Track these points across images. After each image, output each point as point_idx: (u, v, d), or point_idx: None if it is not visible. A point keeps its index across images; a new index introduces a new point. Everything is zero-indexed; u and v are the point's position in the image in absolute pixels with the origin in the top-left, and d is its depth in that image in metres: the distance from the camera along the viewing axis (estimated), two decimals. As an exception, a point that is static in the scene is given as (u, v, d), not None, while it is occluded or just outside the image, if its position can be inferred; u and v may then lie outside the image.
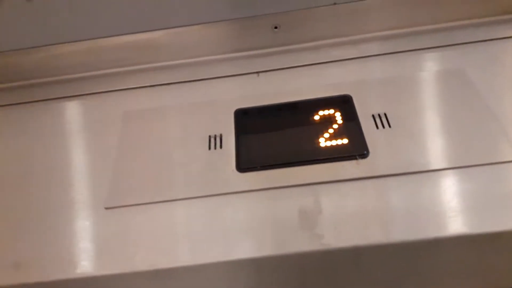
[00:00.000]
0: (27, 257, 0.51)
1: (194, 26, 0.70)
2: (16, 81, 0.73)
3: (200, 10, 0.69)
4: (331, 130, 0.58)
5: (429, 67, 0.66)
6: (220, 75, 0.70)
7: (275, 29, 0.71)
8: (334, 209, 0.50)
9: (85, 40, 0.70)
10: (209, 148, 0.59)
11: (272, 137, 0.60)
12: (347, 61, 0.68)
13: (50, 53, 0.71)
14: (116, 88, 0.70)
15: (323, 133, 0.58)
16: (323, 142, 0.57)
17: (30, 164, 0.62)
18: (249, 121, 0.62)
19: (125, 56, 0.71)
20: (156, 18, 0.69)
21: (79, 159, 0.62)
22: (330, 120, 0.60)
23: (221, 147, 0.59)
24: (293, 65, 0.70)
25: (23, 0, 0.67)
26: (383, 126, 0.58)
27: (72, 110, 0.70)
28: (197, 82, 0.70)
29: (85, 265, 0.50)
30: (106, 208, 0.54)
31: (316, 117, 0.61)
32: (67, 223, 0.54)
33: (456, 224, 0.47)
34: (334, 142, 0.57)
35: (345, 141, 0.57)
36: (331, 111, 0.61)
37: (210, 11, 0.69)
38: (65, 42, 0.70)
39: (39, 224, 0.54)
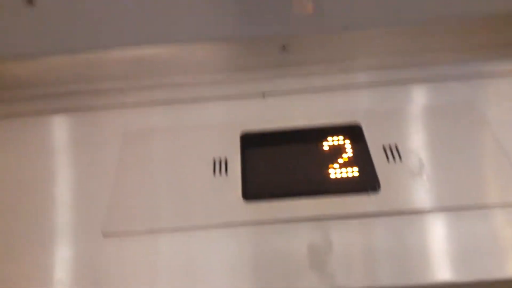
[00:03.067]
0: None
1: (199, 42, 0.68)
2: (8, 91, 0.69)
3: (206, 26, 0.67)
4: (341, 161, 0.57)
5: (440, 99, 0.65)
6: (224, 95, 0.68)
7: (283, 49, 0.69)
8: (345, 247, 0.48)
9: (84, 51, 0.67)
10: (214, 173, 0.57)
11: (280, 164, 0.58)
12: (356, 87, 0.67)
13: (47, 63, 0.68)
14: (116, 104, 0.67)
15: (333, 163, 0.56)
16: (333, 173, 0.55)
17: (20, 183, 0.58)
18: (255, 147, 0.60)
19: (126, 70, 0.68)
20: (161, 31, 0.67)
21: (73, 179, 0.59)
22: (339, 149, 0.58)
23: (226, 172, 0.57)
24: (300, 88, 0.68)
25: (23, 5, 0.63)
26: (394, 159, 0.56)
27: (68, 125, 0.66)
28: (201, 102, 0.67)
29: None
30: (103, 234, 0.51)
31: (325, 145, 0.59)
32: (61, 250, 0.51)
33: (474, 267, 0.46)
34: (344, 174, 0.55)
35: (356, 173, 0.55)
36: (341, 140, 0.59)
37: (216, 27, 0.67)
38: (63, 53, 0.67)
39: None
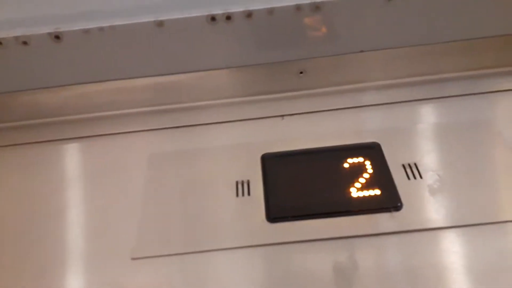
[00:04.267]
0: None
1: (219, 70, 0.70)
2: (37, 118, 0.73)
3: (225, 55, 0.69)
4: (362, 180, 0.58)
5: (456, 116, 0.66)
6: (243, 118, 0.70)
7: (301, 74, 0.71)
8: (371, 265, 0.49)
9: (109, 81, 0.70)
10: (237, 195, 0.58)
11: (302, 185, 0.59)
12: (373, 107, 0.68)
13: (74, 92, 0.71)
14: (139, 129, 0.69)
15: (354, 183, 0.57)
16: (354, 192, 0.56)
17: (46, 210, 0.60)
18: (276, 167, 0.62)
19: (149, 97, 0.71)
20: (181, 62, 0.69)
21: (100, 204, 0.60)
22: (360, 168, 0.59)
23: (249, 194, 0.58)
24: (318, 110, 0.70)
25: (51, 41, 0.67)
26: (415, 177, 0.57)
27: (93, 151, 0.68)
28: (221, 124, 0.70)
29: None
30: (132, 258, 0.53)
31: (346, 165, 0.60)
32: (92, 274, 0.52)
33: (502, 284, 0.46)
34: (366, 193, 0.56)
35: (378, 192, 0.56)
36: (361, 159, 0.60)
37: (233, 56, 0.70)
38: (89, 82, 0.70)
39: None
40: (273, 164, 0.62)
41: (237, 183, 0.60)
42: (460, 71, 0.70)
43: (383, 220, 0.53)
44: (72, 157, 0.68)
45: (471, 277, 0.48)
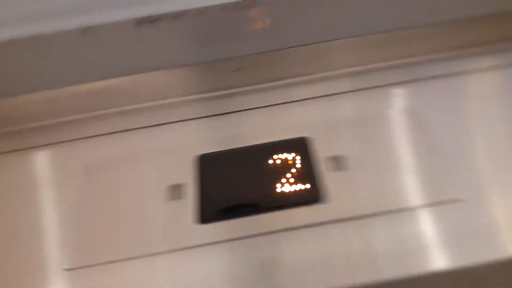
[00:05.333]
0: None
1: (153, 71, 0.70)
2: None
3: (158, 57, 0.69)
4: (288, 175, 0.59)
5: (382, 106, 0.67)
6: (179, 119, 0.70)
7: (237, 71, 0.72)
8: (294, 257, 0.51)
9: (42, 90, 0.69)
10: (170, 199, 0.59)
11: (233, 184, 0.60)
12: (308, 101, 0.69)
13: (5, 102, 0.70)
14: (75, 138, 0.69)
15: (280, 179, 0.59)
16: (283, 188, 0.58)
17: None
18: (209, 168, 0.62)
19: (81, 103, 0.70)
20: (111, 66, 0.69)
21: (33, 217, 0.60)
22: (286, 164, 0.60)
23: (182, 197, 0.59)
24: (253, 107, 0.71)
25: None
26: (340, 169, 0.59)
27: (28, 163, 0.67)
28: (155, 128, 0.69)
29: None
30: (65, 269, 0.53)
31: (272, 161, 0.61)
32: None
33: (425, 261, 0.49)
34: (292, 188, 0.58)
35: (302, 186, 0.58)
36: (287, 155, 0.61)
37: (167, 57, 0.69)
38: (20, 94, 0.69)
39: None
40: (206, 165, 0.62)
41: (170, 187, 0.60)
42: (392, 60, 0.72)
43: (306, 213, 0.54)
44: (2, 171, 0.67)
45: (395, 262, 0.50)
